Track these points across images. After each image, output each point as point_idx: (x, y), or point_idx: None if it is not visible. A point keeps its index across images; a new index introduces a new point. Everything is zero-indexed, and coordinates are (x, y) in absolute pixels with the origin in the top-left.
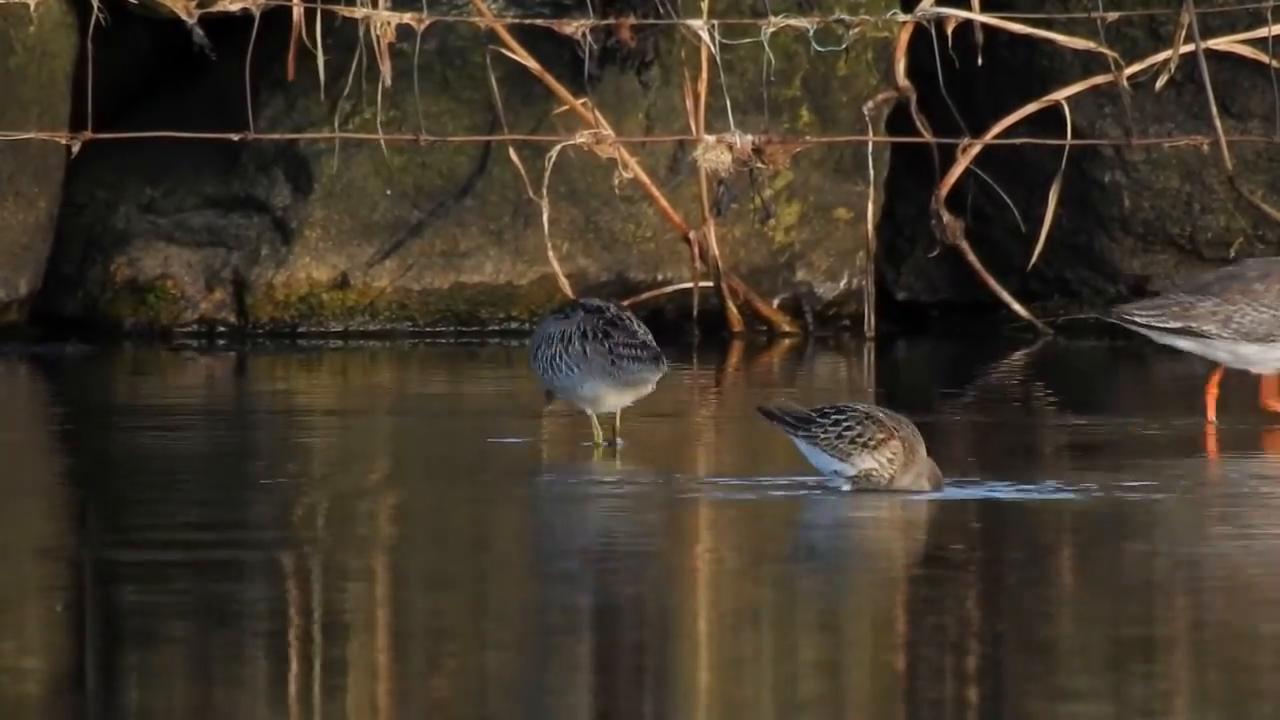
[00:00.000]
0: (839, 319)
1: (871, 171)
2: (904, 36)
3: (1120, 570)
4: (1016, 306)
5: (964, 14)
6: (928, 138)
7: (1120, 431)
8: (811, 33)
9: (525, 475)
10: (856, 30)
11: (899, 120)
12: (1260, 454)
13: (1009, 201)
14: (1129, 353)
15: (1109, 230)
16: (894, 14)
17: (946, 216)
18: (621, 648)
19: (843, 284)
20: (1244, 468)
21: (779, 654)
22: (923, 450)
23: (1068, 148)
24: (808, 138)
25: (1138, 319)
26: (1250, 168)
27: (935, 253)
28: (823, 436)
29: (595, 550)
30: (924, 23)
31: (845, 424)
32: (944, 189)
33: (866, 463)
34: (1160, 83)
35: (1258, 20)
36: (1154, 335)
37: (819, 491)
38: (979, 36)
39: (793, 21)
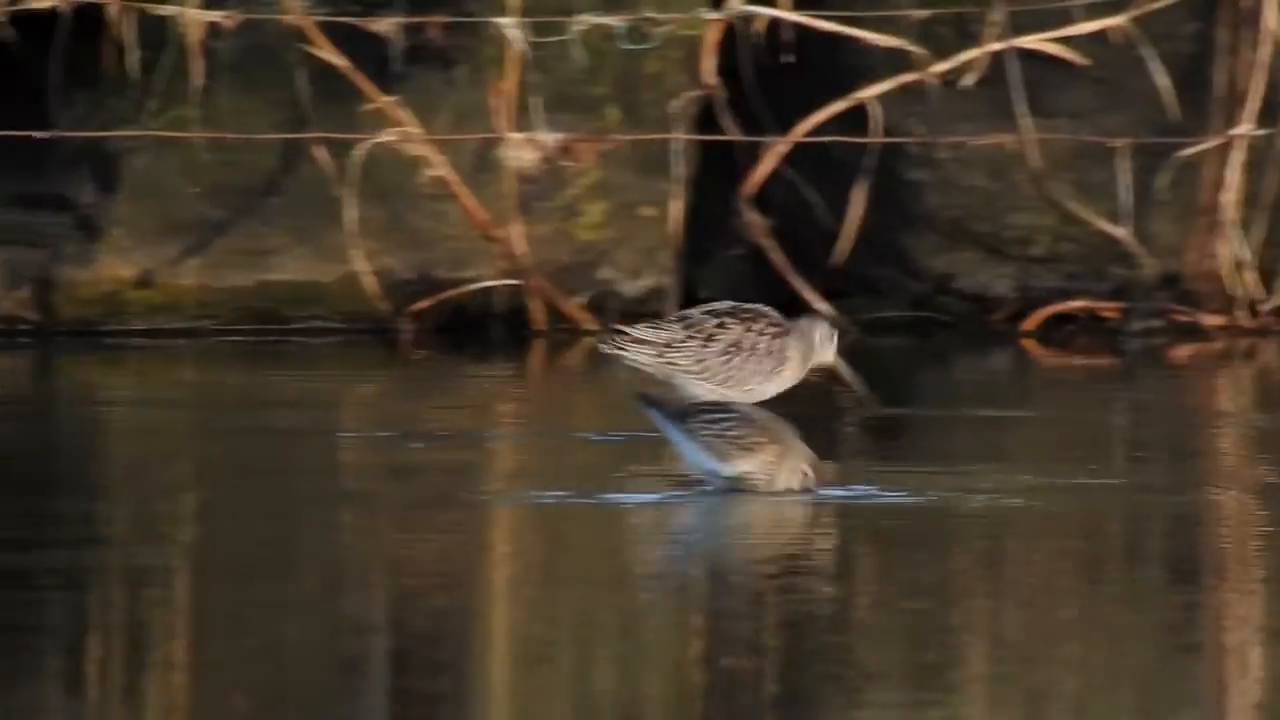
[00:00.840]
0: (642, 317)
1: (679, 170)
2: (712, 35)
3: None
4: (821, 305)
5: (772, 12)
6: (735, 136)
7: (924, 425)
8: (620, 31)
9: (321, 474)
10: (665, 28)
11: (707, 119)
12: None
13: (816, 200)
14: (931, 349)
15: (915, 228)
16: (702, 12)
17: (751, 215)
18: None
19: (647, 282)
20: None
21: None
22: (799, 446)
23: (874, 146)
24: (614, 136)
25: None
26: (1057, 166)
27: (740, 251)
28: (702, 434)
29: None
30: (733, 21)
31: (725, 423)
32: (750, 187)
33: (745, 465)
34: (969, 81)
35: (1067, 19)
36: None
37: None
38: (788, 35)
39: (601, 19)
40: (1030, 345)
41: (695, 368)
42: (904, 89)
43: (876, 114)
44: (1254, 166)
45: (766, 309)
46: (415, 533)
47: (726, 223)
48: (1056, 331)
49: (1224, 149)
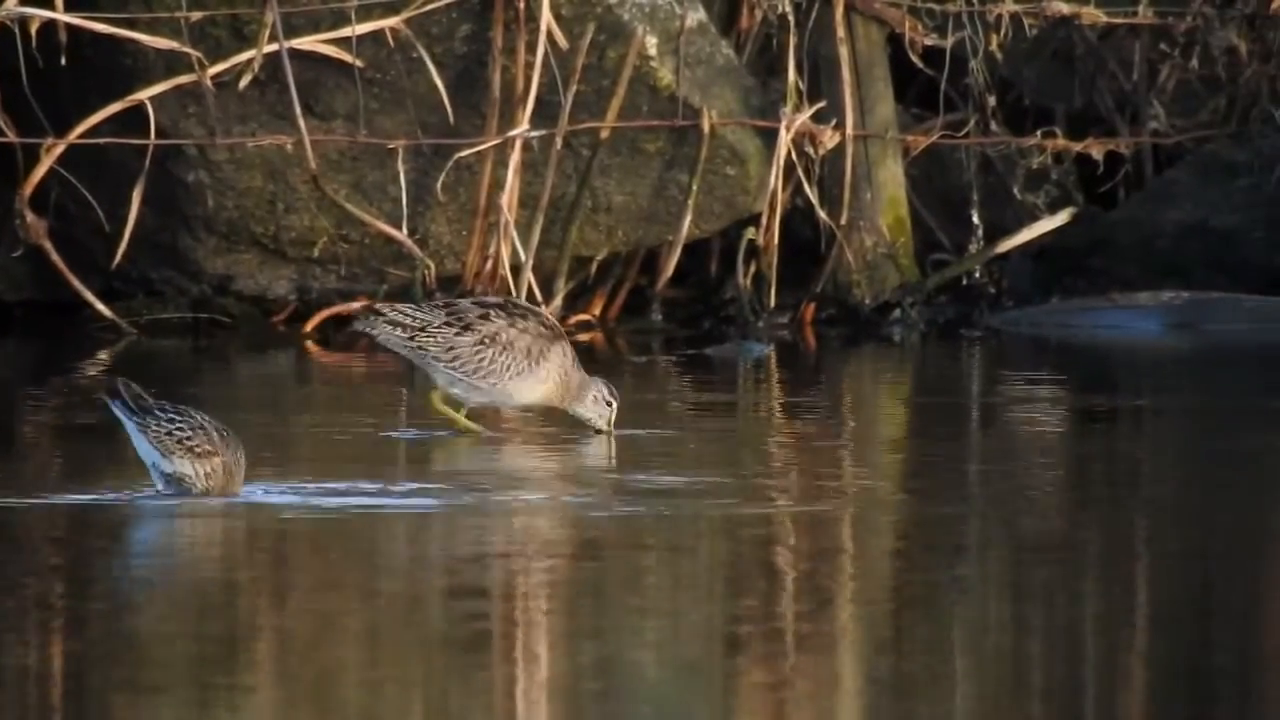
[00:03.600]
0: None
1: None
2: None
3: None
4: (100, 306)
5: (47, 14)
6: (11, 137)
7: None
8: None
9: None
10: None
11: None
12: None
13: (93, 201)
14: (211, 351)
15: (192, 230)
16: None
17: (30, 216)
18: None
19: None
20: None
21: None
22: (240, 479)
23: (151, 147)
24: None
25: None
26: (334, 167)
27: (19, 252)
28: (154, 428)
29: None
30: (8, 22)
31: (179, 424)
32: (27, 188)
33: (184, 467)
34: (244, 82)
35: (341, 20)
36: None
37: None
38: (62, 36)
39: None
40: (311, 347)
41: (445, 355)
42: (180, 90)
43: (153, 116)
44: (531, 167)
45: (543, 312)
46: None
47: (6, 224)
48: (338, 333)
49: (501, 150)
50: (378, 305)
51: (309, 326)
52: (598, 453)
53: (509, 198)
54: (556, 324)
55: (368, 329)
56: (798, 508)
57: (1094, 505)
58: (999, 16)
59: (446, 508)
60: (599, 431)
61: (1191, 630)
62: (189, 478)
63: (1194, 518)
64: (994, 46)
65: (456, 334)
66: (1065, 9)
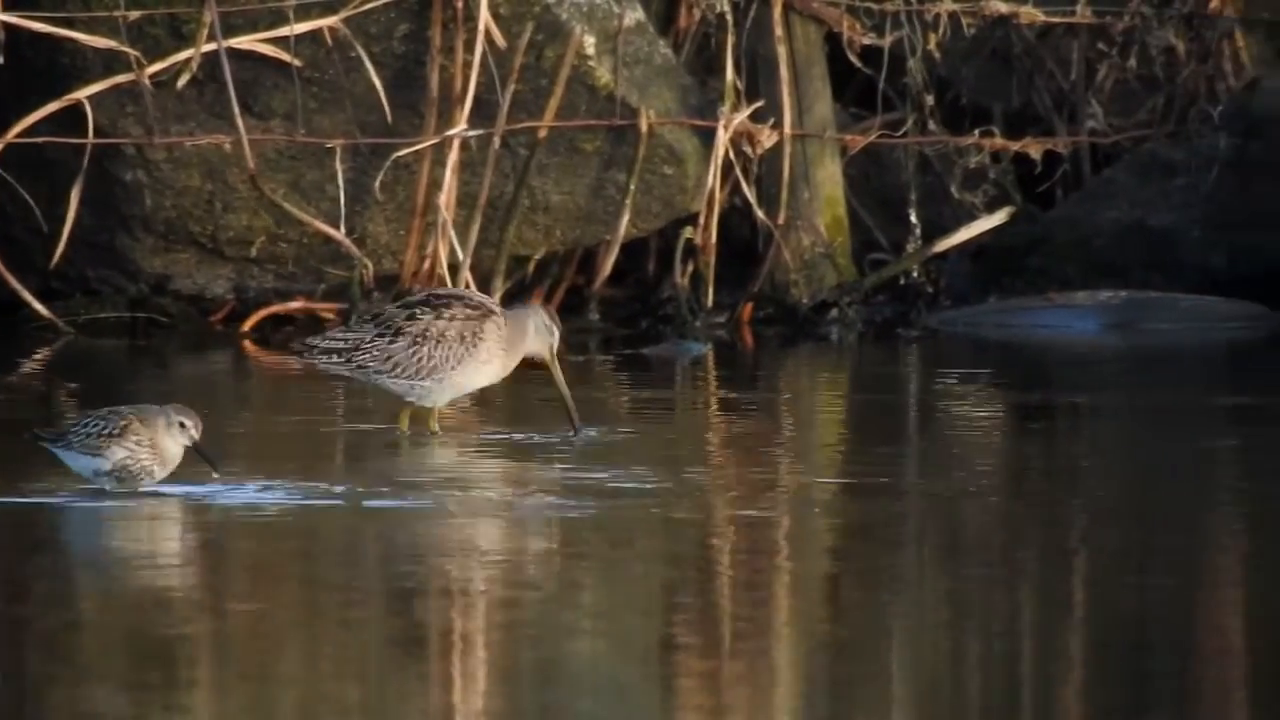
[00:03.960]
0: None
1: None
2: None
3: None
4: (37, 305)
5: None
6: None
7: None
8: None
9: None
10: None
11: None
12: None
13: (31, 200)
14: (149, 351)
15: (130, 229)
16: None
17: None
18: None
19: None
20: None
21: None
22: (161, 410)
23: (90, 146)
24: None
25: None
26: (272, 166)
27: None
28: (74, 439)
29: None
30: None
31: (91, 421)
32: None
33: (117, 453)
34: (182, 81)
35: (280, 19)
36: None
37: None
38: (0, 35)
39: None
40: (249, 346)
41: (385, 366)
42: (119, 89)
43: (92, 115)
44: (469, 167)
45: (466, 292)
46: None
47: None
48: (276, 332)
49: (439, 149)
50: (307, 339)
51: (247, 326)
52: (537, 451)
53: (447, 197)
54: (484, 299)
55: (310, 361)
56: (733, 508)
57: (1031, 503)
58: (937, 16)
59: (382, 507)
60: (576, 432)
61: (1127, 625)
62: (128, 459)
63: (1131, 515)
64: (932, 46)
65: (389, 342)
66: (1003, 8)
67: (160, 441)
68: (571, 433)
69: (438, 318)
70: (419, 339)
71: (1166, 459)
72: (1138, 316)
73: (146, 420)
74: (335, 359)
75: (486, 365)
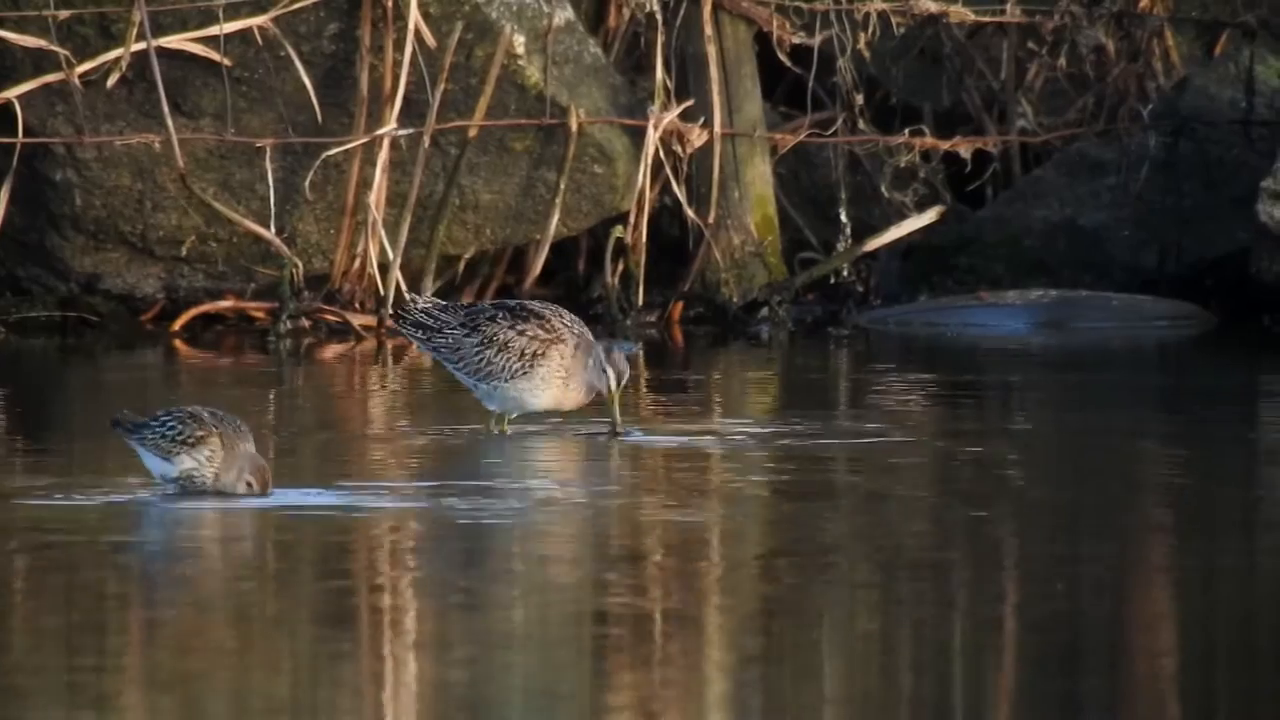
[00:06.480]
0: None
1: None
2: None
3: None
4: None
5: None
6: None
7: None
8: None
9: None
10: None
11: None
12: None
13: None
14: (80, 350)
15: (60, 228)
16: None
17: None
18: None
19: None
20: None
21: None
22: (247, 447)
23: (19, 145)
24: None
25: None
26: (202, 166)
27: None
28: (150, 437)
29: None
30: None
31: (169, 423)
32: None
33: (186, 463)
34: (112, 80)
35: (209, 18)
36: None
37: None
38: None
39: None
40: (179, 345)
41: (454, 356)
42: (48, 89)
43: (21, 114)
44: (399, 166)
45: (556, 314)
46: None
47: None
48: (207, 331)
49: (369, 148)
50: (411, 296)
51: (177, 325)
52: (466, 453)
53: (377, 196)
54: (565, 326)
55: (397, 325)
56: (661, 510)
57: (960, 502)
58: (867, 15)
59: (310, 508)
60: (616, 435)
61: (1060, 614)
62: (195, 470)
63: (1060, 512)
64: (862, 45)
65: (465, 335)
66: (933, 7)
67: (225, 477)
68: (612, 435)
69: (511, 327)
70: (487, 341)
71: (1095, 455)
72: (1068, 315)
73: (226, 442)
74: (419, 333)
75: (544, 388)
